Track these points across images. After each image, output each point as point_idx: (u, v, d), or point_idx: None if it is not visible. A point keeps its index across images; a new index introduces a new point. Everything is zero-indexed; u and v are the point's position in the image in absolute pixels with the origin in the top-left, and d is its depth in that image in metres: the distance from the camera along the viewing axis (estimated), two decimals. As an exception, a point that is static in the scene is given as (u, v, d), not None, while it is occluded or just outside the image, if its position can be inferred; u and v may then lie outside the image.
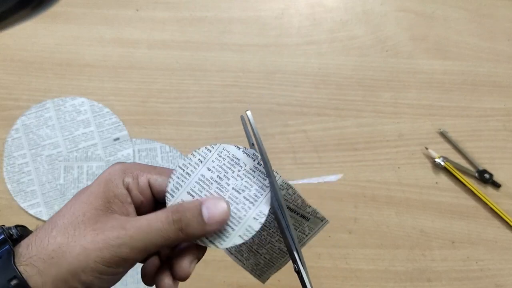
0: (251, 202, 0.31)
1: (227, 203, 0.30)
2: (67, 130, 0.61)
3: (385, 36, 0.66)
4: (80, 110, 0.61)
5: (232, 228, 0.30)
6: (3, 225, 0.30)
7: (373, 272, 0.57)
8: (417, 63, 0.65)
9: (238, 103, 0.62)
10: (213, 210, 0.29)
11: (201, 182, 0.31)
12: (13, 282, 0.26)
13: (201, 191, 0.31)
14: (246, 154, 0.32)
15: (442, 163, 0.60)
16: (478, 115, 0.63)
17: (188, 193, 0.31)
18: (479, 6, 0.67)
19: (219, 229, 0.30)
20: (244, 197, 0.31)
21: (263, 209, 0.30)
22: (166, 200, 0.30)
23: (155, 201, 0.32)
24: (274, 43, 0.65)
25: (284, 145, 0.61)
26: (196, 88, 0.63)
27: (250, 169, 0.32)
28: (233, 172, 0.31)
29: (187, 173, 0.31)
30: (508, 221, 0.59)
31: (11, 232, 0.30)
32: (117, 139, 0.61)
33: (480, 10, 0.67)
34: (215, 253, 0.57)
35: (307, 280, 0.31)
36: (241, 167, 0.32)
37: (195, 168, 0.31)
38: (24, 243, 0.28)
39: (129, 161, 0.32)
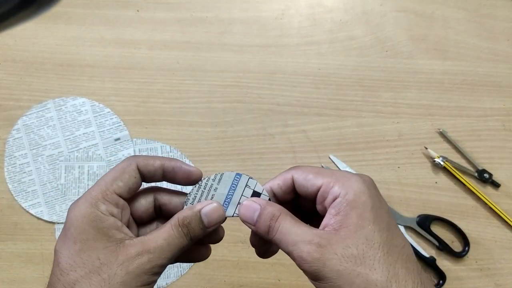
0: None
1: (220, 206, 0.34)
2: (68, 130, 0.61)
3: (385, 36, 0.66)
4: (81, 110, 0.62)
5: None
6: None
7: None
8: (417, 63, 0.65)
9: (238, 103, 0.63)
10: (211, 216, 0.33)
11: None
12: None
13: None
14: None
15: (442, 163, 0.60)
16: (477, 115, 0.63)
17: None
18: (479, 6, 0.68)
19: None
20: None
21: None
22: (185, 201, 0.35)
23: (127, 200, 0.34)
24: (274, 44, 0.65)
25: (284, 145, 0.61)
26: (196, 88, 0.63)
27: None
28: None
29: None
30: (508, 220, 0.59)
31: None
32: (118, 139, 0.61)
33: (480, 10, 0.67)
34: (215, 252, 0.58)
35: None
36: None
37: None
38: None
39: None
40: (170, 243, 0.31)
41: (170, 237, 0.31)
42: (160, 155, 0.60)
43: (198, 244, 0.35)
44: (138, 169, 0.33)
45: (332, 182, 0.30)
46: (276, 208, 0.32)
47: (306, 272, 0.28)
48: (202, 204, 0.33)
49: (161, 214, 0.36)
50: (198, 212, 0.33)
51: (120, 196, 0.32)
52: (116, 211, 0.32)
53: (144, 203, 0.35)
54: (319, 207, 0.32)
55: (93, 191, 0.32)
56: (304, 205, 0.35)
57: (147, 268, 0.30)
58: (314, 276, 0.27)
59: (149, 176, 0.34)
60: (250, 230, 0.34)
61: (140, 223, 0.36)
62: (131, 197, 0.34)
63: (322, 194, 0.31)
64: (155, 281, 0.31)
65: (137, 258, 0.30)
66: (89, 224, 0.30)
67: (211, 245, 0.37)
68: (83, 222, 0.30)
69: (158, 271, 0.31)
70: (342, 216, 0.28)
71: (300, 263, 0.28)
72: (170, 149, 0.61)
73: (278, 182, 0.34)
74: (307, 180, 0.31)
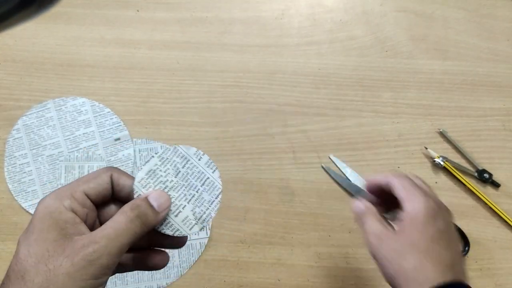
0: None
1: (164, 192, 0.34)
2: (68, 130, 0.61)
3: (385, 36, 0.66)
4: (81, 110, 0.62)
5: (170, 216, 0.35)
6: None
7: (373, 272, 0.57)
8: (417, 63, 0.65)
9: (238, 103, 0.63)
10: (159, 200, 0.33)
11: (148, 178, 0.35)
12: None
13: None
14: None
15: (442, 163, 0.60)
16: (477, 115, 0.63)
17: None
18: (479, 6, 0.68)
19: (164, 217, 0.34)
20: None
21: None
22: (134, 193, 0.34)
23: (97, 207, 0.34)
24: (275, 44, 0.65)
25: (284, 145, 0.61)
26: (196, 88, 0.63)
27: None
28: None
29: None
30: (508, 220, 0.59)
31: None
32: (118, 139, 0.61)
33: (480, 10, 0.67)
34: (215, 252, 0.58)
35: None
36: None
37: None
38: None
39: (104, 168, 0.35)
40: (118, 229, 0.30)
41: (117, 224, 0.31)
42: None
43: (157, 246, 0.36)
44: (112, 180, 0.34)
45: (408, 197, 0.39)
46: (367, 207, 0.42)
47: (370, 252, 0.39)
48: (148, 192, 0.34)
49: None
50: (145, 197, 0.33)
51: (89, 198, 0.33)
52: (81, 210, 0.32)
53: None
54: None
55: (64, 187, 0.33)
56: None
57: (93, 258, 0.29)
58: (373, 255, 0.39)
59: (118, 190, 0.34)
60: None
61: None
62: (100, 203, 0.34)
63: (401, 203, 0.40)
64: (106, 275, 0.30)
65: (82, 249, 0.29)
66: (47, 215, 0.31)
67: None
68: (43, 213, 0.31)
69: (107, 262, 0.30)
70: (401, 225, 0.39)
71: (367, 245, 0.40)
72: (170, 149, 0.61)
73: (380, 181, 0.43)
74: (399, 190, 0.40)
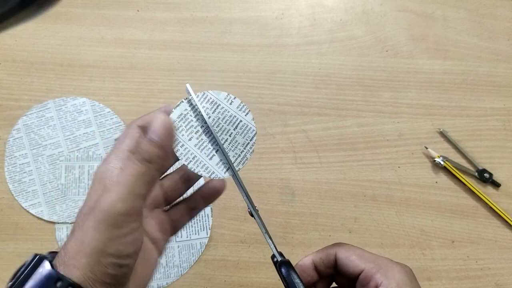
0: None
1: (164, 114, 0.32)
2: (68, 130, 0.61)
3: (385, 36, 0.66)
4: (81, 110, 0.62)
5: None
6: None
7: (373, 272, 0.57)
8: (417, 63, 0.65)
9: (238, 103, 0.63)
10: (159, 132, 0.31)
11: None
12: (58, 284, 0.27)
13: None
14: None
15: (442, 163, 0.60)
16: (477, 114, 0.63)
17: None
18: (479, 6, 0.68)
19: (171, 143, 0.33)
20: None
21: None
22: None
23: None
24: (275, 44, 0.65)
25: (284, 144, 0.61)
26: (196, 88, 0.63)
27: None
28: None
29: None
30: (508, 220, 0.59)
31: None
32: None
33: (480, 10, 0.67)
34: (215, 252, 0.58)
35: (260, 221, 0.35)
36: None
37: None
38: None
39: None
40: (126, 175, 0.30)
41: (125, 170, 0.30)
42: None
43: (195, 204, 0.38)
44: None
45: (375, 269, 0.32)
46: None
47: None
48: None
49: None
50: (146, 136, 0.31)
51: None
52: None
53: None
54: None
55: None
56: (340, 282, 0.36)
57: (107, 208, 0.29)
58: None
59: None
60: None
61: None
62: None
63: (364, 278, 0.33)
64: (128, 222, 0.29)
65: (99, 201, 0.29)
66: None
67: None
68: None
69: (123, 209, 0.29)
70: None
71: None
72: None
73: (320, 256, 0.35)
74: (350, 261, 0.34)
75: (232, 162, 0.34)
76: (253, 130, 0.35)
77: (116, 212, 0.29)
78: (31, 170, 0.59)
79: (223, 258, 0.58)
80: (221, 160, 0.34)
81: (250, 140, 0.35)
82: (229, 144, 0.35)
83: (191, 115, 0.34)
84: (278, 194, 0.60)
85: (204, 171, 0.34)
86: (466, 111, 0.63)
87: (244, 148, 0.35)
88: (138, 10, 0.66)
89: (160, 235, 0.37)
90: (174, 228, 0.39)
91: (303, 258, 0.36)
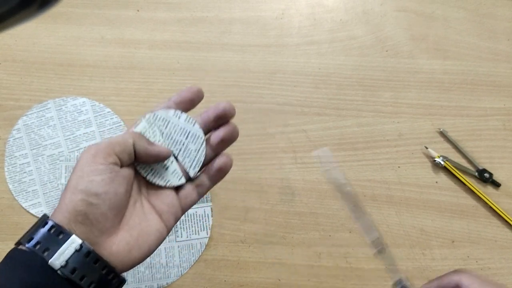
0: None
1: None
2: (68, 130, 0.61)
3: (385, 36, 0.66)
4: (81, 110, 0.62)
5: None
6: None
7: (373, 271, 0.57)
8: (417, 63, 0.65)
9: (238, 103, 0.63)
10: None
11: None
12: (46, 226, 0.33)
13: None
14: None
15: (442, 163, 0.60)
16: (477, 114, 0.63)
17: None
18: (479, 6, 0.68)
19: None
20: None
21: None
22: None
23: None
24: (275, 43, 0.65)
25: (284, 144, 0.61)
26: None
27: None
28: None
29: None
30: (508, 220, 0.59)
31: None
32: (118, 139, 0.61)
33: (480, 10, 0.67)
34: (216, 252, 0.58)
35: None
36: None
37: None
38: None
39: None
40: (119, 135, 0.37)
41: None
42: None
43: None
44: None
45: None
46: None
47: None
48: None
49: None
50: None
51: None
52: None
53: None
54: None
55: (102, 145, 0.37)
56: None
57: (100, 148, 0.35)
58: None
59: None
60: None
61: None
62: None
63: None
64: (115, 158, 0.35)
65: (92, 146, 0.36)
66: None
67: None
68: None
69: (109, 150, 0.35)
70: None
71: None
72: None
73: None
74: None
75: (189, 166, 0.40)
76: (202, 137, 0.40)
77: (92, 153, 0.35)
78: (31, 170, 0.59)
79: (223, 258, 0.58)
80: (175, 169, 0.39)
81: (201, 145, 0.40)
82: (183, 152, 0.40)
83: (149, 132, 0.39)
84: (278, 194, 0.60)
85: (161, 180, 0.39)
86: (466, 111, 0.63)
87: (197, 153, 0.40)
88: (138, 10, 0.66)
89: (166, 208, 0.39)
90: (183, 204, 0.41)
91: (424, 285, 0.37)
